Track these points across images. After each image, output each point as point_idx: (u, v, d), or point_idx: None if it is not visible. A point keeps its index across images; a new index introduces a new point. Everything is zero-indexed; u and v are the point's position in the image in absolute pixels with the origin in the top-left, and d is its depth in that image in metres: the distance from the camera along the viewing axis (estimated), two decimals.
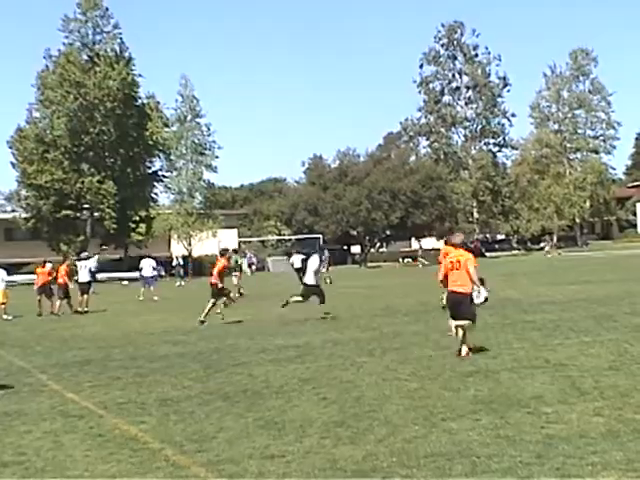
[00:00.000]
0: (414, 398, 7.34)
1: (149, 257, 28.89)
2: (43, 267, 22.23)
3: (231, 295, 17.32)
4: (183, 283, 37.65)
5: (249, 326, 15.10)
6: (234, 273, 25.92)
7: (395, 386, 7.97)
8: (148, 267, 26.99)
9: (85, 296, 21.65)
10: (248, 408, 7.31)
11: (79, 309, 21.18)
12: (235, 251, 29.16)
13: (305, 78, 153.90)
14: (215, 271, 16.23)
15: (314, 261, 15.90)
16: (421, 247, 57.32)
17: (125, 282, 42.87)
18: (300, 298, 15.86)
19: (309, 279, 15.84)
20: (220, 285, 16.00)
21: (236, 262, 26.90)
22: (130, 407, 7.64)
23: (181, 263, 41.13)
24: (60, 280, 21.48)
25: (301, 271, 32.22)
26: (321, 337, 12.57)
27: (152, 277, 27.10)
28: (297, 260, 33.73)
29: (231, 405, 7.49)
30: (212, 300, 16.04)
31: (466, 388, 7.66)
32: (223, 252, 17.26)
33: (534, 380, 7.89)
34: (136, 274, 45.56)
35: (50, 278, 21.87)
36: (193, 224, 52.53)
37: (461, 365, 9.01)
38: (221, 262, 16.39)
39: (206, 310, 15.82)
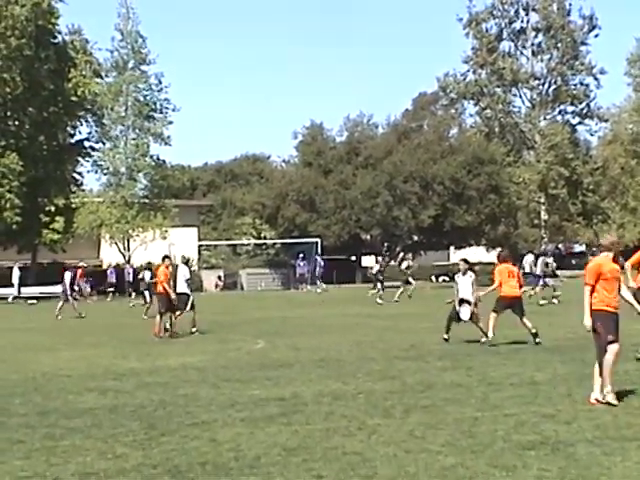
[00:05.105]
0: (450, 479, 7.29)
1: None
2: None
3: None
4: (132, 303, 37.71)
5: (211, 369, 15.15)
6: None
7: (423, 461, 7.96)
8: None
9: None
10: None
11: None
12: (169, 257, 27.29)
13: (299, 17, 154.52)
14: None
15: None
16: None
17: (33, 301, 42.82)
18: None
19: None
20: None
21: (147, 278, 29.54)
22: None
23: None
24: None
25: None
26: (316, 387, 12.59)
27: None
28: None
29: None
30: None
31: (526, 466, 7.65)
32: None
33: (626, 458, 7.87)
34: (51, 289, 45.56)
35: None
36: (134, 219, 52.50)
37: (519, 432, 9.01)
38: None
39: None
